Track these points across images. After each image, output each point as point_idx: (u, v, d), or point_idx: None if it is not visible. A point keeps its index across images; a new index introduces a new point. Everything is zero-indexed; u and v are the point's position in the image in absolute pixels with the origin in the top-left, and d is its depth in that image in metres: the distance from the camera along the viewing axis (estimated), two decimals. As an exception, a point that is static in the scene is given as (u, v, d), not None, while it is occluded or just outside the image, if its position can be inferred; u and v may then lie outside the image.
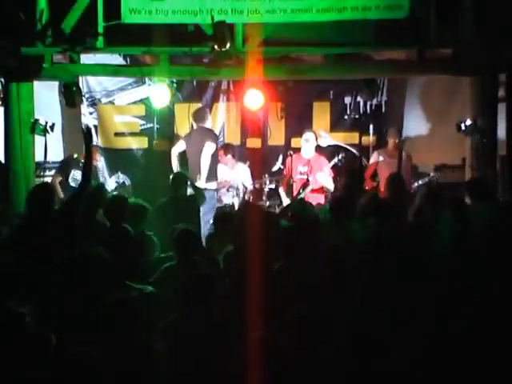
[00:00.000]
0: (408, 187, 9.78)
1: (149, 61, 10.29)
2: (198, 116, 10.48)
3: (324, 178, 10.19)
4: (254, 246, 5.80)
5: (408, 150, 10.56)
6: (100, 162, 11.17)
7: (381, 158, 10.38)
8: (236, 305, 5.19)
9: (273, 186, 10.77)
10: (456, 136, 9.94)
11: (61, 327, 4.80)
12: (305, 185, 10.13)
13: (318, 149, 10.68)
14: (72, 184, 10.35)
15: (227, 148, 10.95)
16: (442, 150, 11.03)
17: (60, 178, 10.34)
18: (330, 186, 10.32)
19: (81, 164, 10.26)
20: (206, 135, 10.21)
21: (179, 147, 10.41)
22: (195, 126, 10.56)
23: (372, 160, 10.62)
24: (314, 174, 10.24)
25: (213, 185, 10.09)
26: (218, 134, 11.57)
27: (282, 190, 10.55)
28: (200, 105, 11.61)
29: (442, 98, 11.27)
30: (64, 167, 10.37)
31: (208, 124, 10.47)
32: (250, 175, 10.91)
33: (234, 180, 10.71)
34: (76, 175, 10.39)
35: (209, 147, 10.06)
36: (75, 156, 10.53)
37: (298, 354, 4.64)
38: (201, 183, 9.83)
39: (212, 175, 10.09)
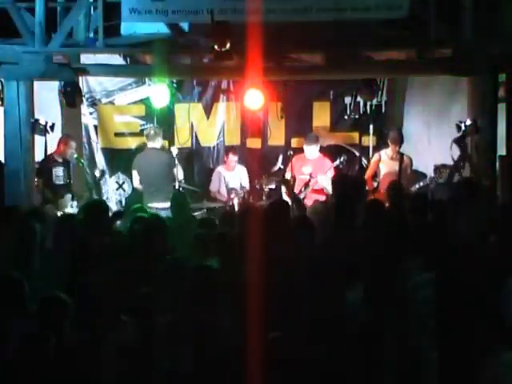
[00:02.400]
0: (408, 191, 9.77)
1: (149, 61, 10.29)
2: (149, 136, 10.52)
3: (325, 180, 10.17)
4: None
5: (408, 152, 10.55)
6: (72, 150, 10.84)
7: (382, 158, 10.36)
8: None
9: (273, 186, 10.76)
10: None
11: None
12: (306, 184, 10.14)
13: (322, 149, 10.70)
14: (56, 182, 10.29)
15: (234, 150, 10.99)
16: (442, 150, 11.02)
17: (43, 181, 10.24)
18: (330, 188, 10.30)
19: (60, 160, 10.33)
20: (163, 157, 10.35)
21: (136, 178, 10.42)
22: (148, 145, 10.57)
23: (373, 160, 10.59)
24: (316, 175, 10.23)
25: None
26: (218, 133, 11.62)
27: (283, 190, 10.53)
28: (200, 105, 11.61)
29: (442, 98, 11.26)
30: (45, 168, 10.26)
31: (158, 144, 10.52)
32: (247, 176, 10.93)
33: (233, 182, 10.75)
34: (57, 172, 10.33)
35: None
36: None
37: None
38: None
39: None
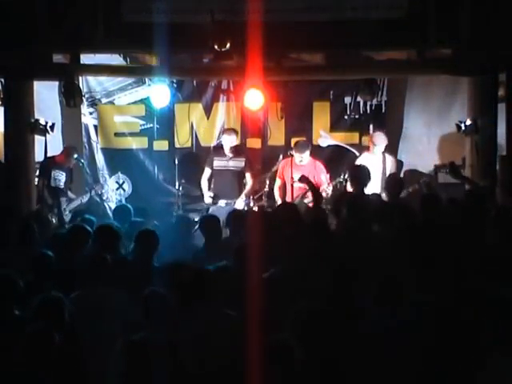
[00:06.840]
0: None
1: (149, 61, 10.29)
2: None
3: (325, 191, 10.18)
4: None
5: (408, 152, 10.50)
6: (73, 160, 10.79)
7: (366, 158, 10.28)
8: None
9: (273, 187, 10.75)
10: (456, 136, 9.95)
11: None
12: (304, 196, 10.10)
13: (318, 149, 10.69)
14: (53, 185, 10.28)
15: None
16: (442, 150, 11.03)
17: (42, 182, 10.21)
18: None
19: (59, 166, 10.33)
20: None
21: None
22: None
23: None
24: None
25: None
26: (218, 133, 11.61)
27: (276, 192, 10.51)
28: (200, 105, 11.61)
29: (442, 98, 11.25)
30: (45, 169, 10.23)
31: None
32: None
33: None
34: (56, 175, 10.34)
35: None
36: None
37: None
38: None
39: None
